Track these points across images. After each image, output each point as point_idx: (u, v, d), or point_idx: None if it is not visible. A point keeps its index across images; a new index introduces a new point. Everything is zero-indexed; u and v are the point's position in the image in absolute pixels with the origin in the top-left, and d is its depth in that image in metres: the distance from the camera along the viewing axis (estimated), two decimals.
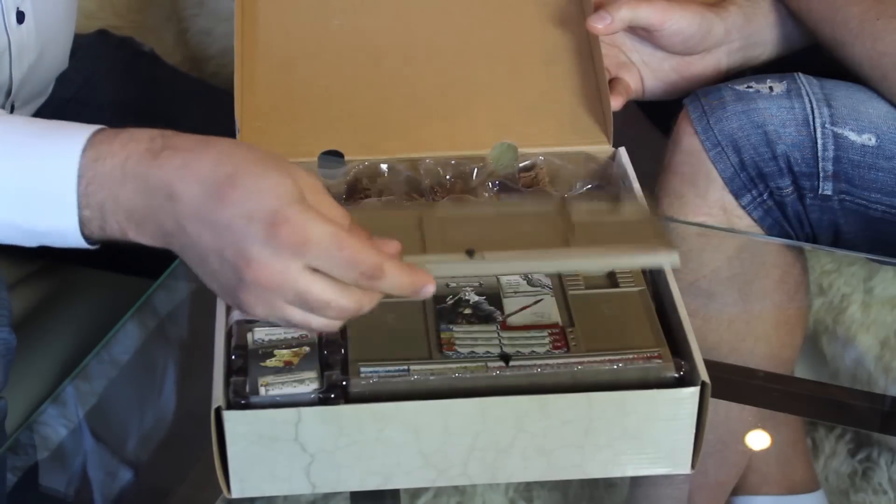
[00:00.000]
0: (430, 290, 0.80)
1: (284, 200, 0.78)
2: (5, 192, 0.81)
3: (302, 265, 0.77)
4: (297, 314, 0.79)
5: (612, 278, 0.93)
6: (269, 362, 0.84)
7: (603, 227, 0.92)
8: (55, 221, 0.82)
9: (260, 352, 0.85)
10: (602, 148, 1.08)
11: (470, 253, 0.83)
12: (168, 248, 0.82)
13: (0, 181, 0.81)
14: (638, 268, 0.93)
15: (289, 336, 0.86)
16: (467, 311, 0.91)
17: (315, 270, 0.78)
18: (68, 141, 0.81)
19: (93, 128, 0.82)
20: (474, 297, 0.92)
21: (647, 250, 0.85)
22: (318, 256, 0.77)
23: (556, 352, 0.86)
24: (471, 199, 1.03)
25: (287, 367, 0.84)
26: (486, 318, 0.90)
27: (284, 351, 0.85)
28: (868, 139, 1.08)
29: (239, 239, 0.77)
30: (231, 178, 0.78)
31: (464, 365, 0.84)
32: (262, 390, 0.82)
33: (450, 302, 0.92)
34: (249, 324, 0.87)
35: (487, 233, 0.89)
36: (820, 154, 1.09)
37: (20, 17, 1.09)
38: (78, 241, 0.83)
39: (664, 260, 0.86)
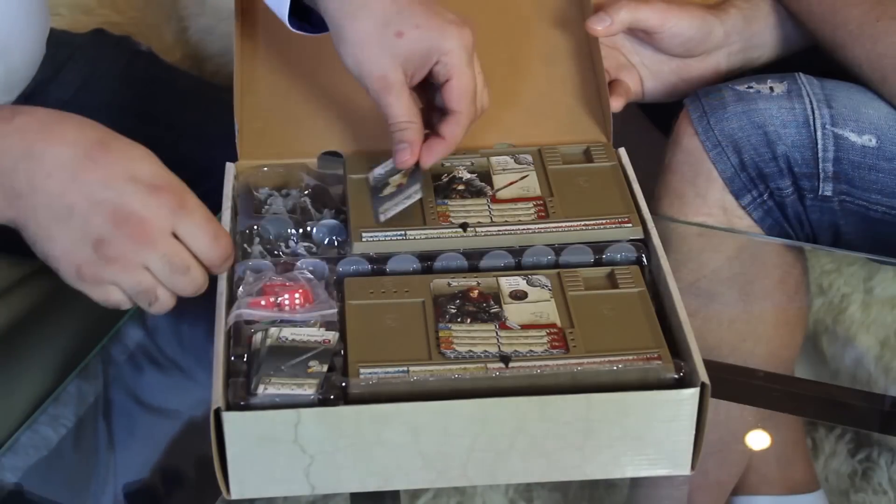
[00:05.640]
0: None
1: (161, 167, 0.85)
2: None
3: (172, 229, 0.83)
4: (147, 278, 0.83)
5: (611, 279, 0.93)
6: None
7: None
8: None
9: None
10: None
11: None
12: (5, 214, 0.83)
13: None
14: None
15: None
16: (461, 186, 1.00)
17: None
18: None
19: None
20: (466, 175, 1.01)
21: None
22: (191, 224, 0.84)
23: (556, 352, 0.86)
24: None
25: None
26: (478, 193, 0.99)
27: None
28: (868, 140, 1.08)
29: (118, 195, 0.82)
30: (102, 142, 0.83)
31: (463, 366, 0.84)
32: (262, 391, 0.82)
33: (445, 179, 1.01)
34: (249, 325, 0.87)
35: None
36: (820, 155, 1.09)
37: None
38: None
39: None
